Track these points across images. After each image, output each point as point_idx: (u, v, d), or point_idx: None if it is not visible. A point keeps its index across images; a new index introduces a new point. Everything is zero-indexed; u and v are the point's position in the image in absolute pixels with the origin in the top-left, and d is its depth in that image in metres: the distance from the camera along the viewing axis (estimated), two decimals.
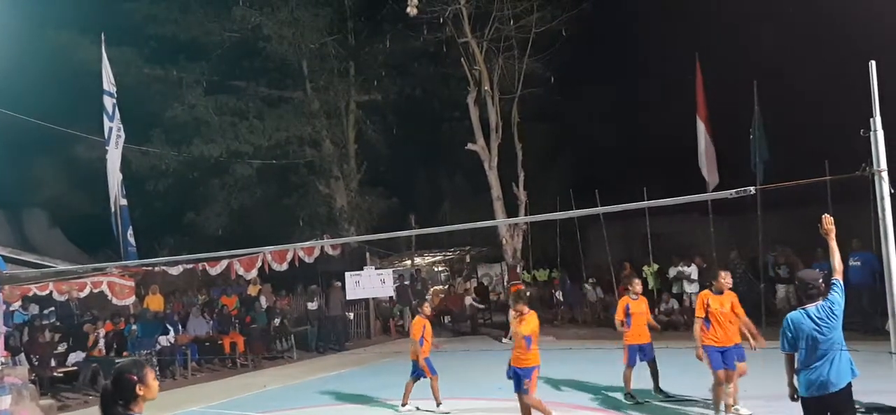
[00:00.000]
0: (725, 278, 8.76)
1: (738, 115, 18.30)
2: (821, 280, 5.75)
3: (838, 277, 5.64)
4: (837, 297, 5.57)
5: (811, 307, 5.61)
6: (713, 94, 18.58)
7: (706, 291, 8.93)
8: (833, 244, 5.66)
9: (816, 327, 5.53)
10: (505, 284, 19.58)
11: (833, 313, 5.54)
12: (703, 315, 8.61)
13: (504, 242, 19.47)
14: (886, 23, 15.43)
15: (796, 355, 5.66)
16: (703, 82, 18.41)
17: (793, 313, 5.74)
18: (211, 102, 22.17)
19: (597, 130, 25.00)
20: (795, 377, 5.68)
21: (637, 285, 10.48)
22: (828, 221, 5.60)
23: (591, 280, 20.69)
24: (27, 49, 19.86)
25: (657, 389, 10.25)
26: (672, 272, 18.50)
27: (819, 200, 15.70)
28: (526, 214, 18.97)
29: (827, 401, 5.50)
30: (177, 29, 22.31)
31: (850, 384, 5.51)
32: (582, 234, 20.15)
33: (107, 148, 16.93)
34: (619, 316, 10.29)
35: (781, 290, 17.02)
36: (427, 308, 10.88)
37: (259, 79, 23.40)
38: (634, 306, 10.23)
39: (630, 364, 10.15)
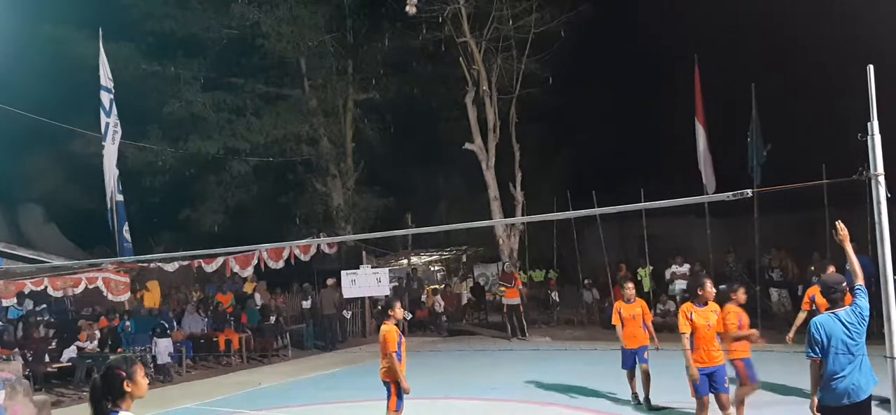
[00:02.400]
0: (710, 289, 7.66)
1: (735, 117, 18.33)
2: (844, 283, 5.71)
3: (861, 282, 5.60)
4: (864, 302, 5.52)
5: (841, 311, 5.54)
6: (711, 96, 18.60)
7: (689, 304, 7.77)
8: (849, 249, 5.59)
9: (847, 332, 5.46)
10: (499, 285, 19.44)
11: (863, 318, 5.48)
12: (688, 331, 7.49)
13: (501, 242, 19.48)
14: (884, 27, 15.46)
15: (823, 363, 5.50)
16: (700, 84, 18.42)
17: (821, 316, 5.63)
18: (208, 99, 22.15)
19: (594, 131, 25.00)
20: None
21: (629, 289, 10.29)
22: (842, 228, 5.58)
23: (586, 281, 20.68)
24: (24, 44, 19.80)
25: (645, 399, 9.84)
26: (667, 274, 18.52)
27: (816, 204, 15.75)
28: (523, 215, 18.97)
29: (855, 409, 5.42)
30: (175, 25, 22.26)
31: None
32: (578, 235, 20.13)
33: (103, 143, 16.86)
34: (614, 320, 10.20)
35: (774, 293, 17.05)
36: (742, 295, 8.18)
37: (257, 76, 23.36)
38: (626, 310, 10.06)
39: (624, 367, 10.06)
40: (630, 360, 9.97)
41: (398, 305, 8.43)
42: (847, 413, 5.44)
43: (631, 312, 10.03)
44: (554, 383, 11.81)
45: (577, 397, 10.75)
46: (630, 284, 10.48)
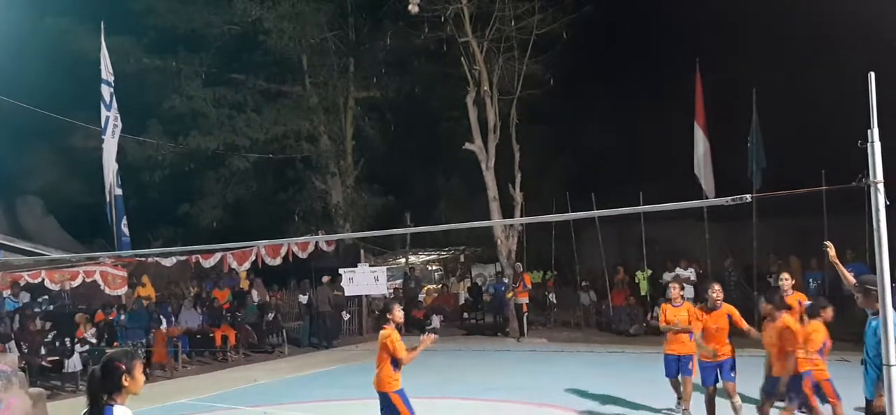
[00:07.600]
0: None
1: (736, 122, 18.33)
2: None
3: None
4: None
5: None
6: (712, 100, 18.59)
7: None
8: (841, 267, 6.39)
9: None
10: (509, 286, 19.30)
11: None
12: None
13: (499, 242, 19.46)
14: (886, 34, 15.46)
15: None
16: (701, 88, 18.41)
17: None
18: (209, 94, 22.15)
19: (595, 133, 25.01)
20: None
21: (675, 290, 9.48)
22: (830, 249, 6.25)
23: (584, 283, 20.68)
24: (26, 36, 19.80)
25: (684, 411, 9.32)
26: (668, 276, 18.43)
27: (815, 210, 15.75)
28: (522, 216, 18.96)
29: None
30: (176, 20, 22.26)
31: None
32: (577, 237, 20.13)
33: (103, 137, 16.87)
34: (662, 321, 9.48)
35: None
36: (830, 312, 7.32)
37: (258, 72, 23.36)
38: (672, 314, 9.29)
39: (667, 375, 9.48)
40: (674, 367, 9.32)
41: (397, 307, 7.85)
42: None
43: (676, 316, 9.25)
44: (551, 384, 11.80)
45: (573, 399, 10.74)
46: (675, 286, 9.73)
